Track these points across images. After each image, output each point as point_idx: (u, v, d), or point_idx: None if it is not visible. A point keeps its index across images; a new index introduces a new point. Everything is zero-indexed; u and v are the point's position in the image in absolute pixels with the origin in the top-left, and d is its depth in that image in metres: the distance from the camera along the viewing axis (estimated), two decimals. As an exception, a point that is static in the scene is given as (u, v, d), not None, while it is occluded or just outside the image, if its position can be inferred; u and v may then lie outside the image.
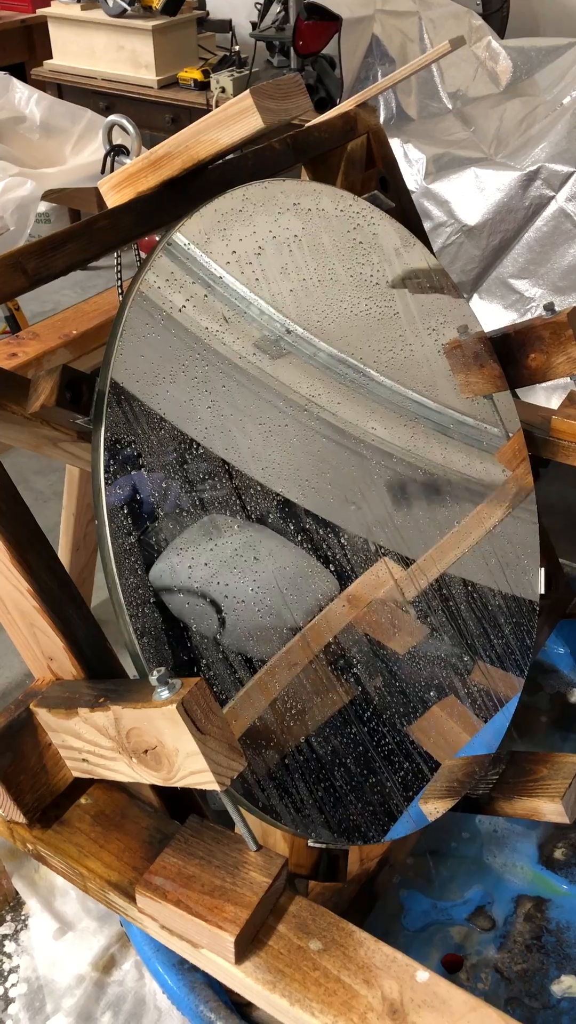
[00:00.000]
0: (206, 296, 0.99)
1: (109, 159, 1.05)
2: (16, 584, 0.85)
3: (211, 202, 1.01)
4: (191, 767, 0.77)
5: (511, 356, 1.39)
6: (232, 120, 0.93)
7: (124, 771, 0.84)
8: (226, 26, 3.70)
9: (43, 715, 0.87)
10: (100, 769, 0.87)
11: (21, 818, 0.87)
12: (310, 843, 1.01)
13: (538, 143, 2.12)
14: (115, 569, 0.85)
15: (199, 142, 0.96)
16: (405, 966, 0.77)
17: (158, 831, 0.88)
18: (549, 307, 1.34)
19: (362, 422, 1.16)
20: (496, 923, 1.24)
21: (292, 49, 3.24)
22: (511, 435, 1.43)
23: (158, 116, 3.37)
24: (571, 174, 2.04)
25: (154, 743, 0.79)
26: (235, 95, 3.45)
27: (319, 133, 1.23)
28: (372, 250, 1.20)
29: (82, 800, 0.92)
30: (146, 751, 0.80)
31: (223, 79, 3.25)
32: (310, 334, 1.10)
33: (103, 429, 0.86)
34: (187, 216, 0.99)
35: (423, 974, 0.76)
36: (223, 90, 3.25)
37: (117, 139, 1.10)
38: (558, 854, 1.32)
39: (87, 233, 0.94)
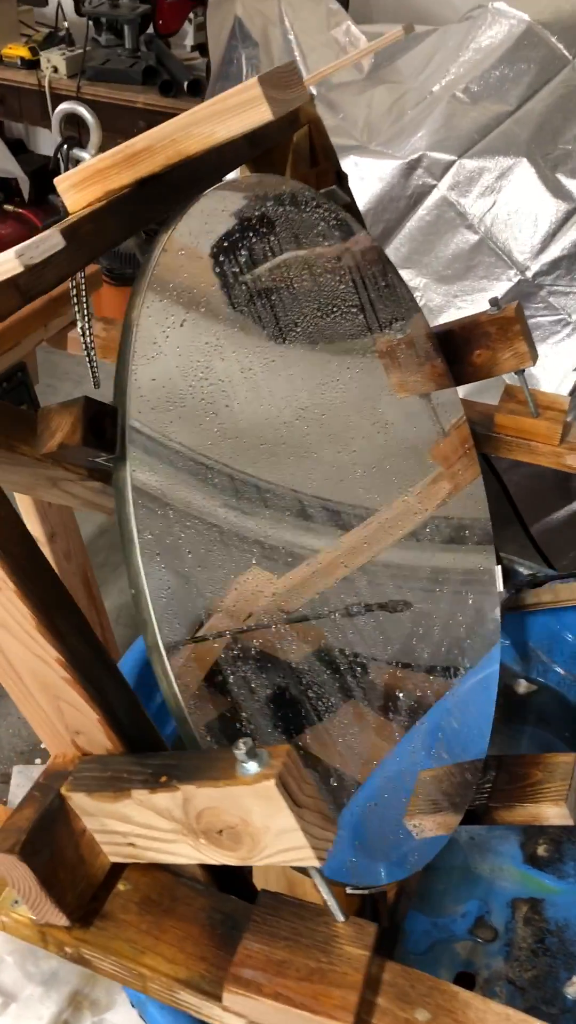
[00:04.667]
0: (208, 302, 0.89)
1: (63, 152, 0.92)
2: (42, 654, 0.73)
3: (197, 202, 0.91)
4: (283, 844, 0.69)
5: (455, 353, 1.37)
6: (232, 111, 0.84)
7: (186, 853, 0.74)
8: (43, 0, 3.48)
9: (79, 800, 0.76)
10: (150, 852, 0.77)
11: (63, 921, 0.76)
12: (348, 891, 0.94)
13: (415, 131, 2.11)
14: (158, 632, 0.74)
15: (189, 135, 0.86)
16: (520, 1023, 0.72)
17: (216, 911, 0.79)
18: (494, 302, 1.32)
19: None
20: (498, 932, 1.22)
21: (125, 27, 3.10)
22: (448, 431, 1.41)
23: (-17, 97, 3.12)
24: (452, 162, 2.05)
25: (235, 822, 0.70)
26: (68, 75, 3.25)
27: (269, 124, 1.14)
28: (337, 249, 1.13)
29: (120, 886, 0.81)
30: (221, 831, 0.71)
31: (54, 58, 3.06)
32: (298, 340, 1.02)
33: (128, 467, 0.75)
34: (178, 217, 0.89)
35: (542, 1028, 0.71)
36: (55, 70, 3.06)
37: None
38: (541, 851, 1.32)
39: (74, 240, 0.81)
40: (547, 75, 2.05)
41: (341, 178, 1.20)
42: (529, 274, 2.02)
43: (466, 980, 1.17)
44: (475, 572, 1.39)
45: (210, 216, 0.93)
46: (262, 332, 0.97)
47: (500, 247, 2.04)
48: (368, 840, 0.95)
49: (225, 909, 0.79)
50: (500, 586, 1.40)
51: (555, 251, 2.00)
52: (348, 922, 0.75)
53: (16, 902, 0.80)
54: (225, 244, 0.94)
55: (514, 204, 2.02)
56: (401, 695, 1.16)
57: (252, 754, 0.67)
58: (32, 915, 0.77)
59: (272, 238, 1.01)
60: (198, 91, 2.80)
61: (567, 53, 2.05)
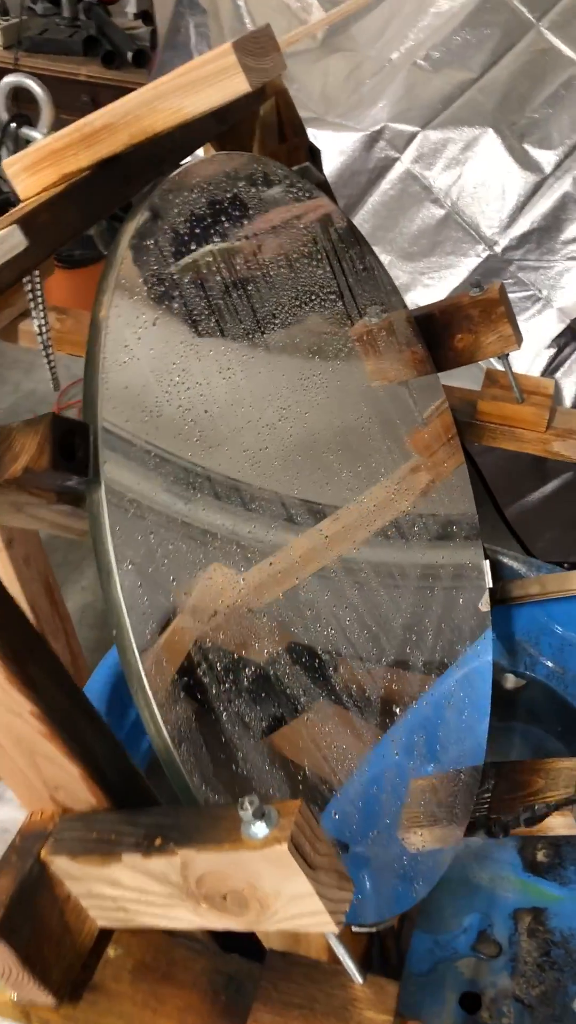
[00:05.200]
0: (181, 296, 0.81)
1: (10, 131, 0.82)
2: (15, 707, 0.65)
3: (163, 184, 0.82)
4: (297, 909, 0.62)
5: (436, 338, 1.29)
6: (204, 83, 0.75)
7: (185, 918, 0.67)
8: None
9: (62, 864, 0.68)
10: (144, 917, 0.69)
11: (49, 1000, 0.68)
12: (354, 930, 0.88)
13: (375, 102, 2.02)
14: (146, 681, 0.66)
15: (155, 111, 0.77)
16: None
17: (218, 973, 0.72)
18: (476, 284, 1.25)
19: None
20: (502, 947, 1.17)
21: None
22: (429, 420, 1.34)
23: None
24: (416, 134, 1.96)
25: (241, 887, 0.62)
26: (4, 46, 3.09)
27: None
28: (311, 229, 1.05)
29: (110, 952, 0.73)
30: (225, 895, 0.64)
31: (-11, 28, 2.90)
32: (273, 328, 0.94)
33: (103, 491, 0.66)
34: (143, 202, 0.79)
35: None
36: (-10, 41, 2.90)
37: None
38: (540, 856, 1.27)
39: (30, 232, 0.72)
40: (511, 40, 1.97)
41: (314, 154, 1.11)
42: (498, 249, 1.95)
43: (472, 1000, 1.12)
44: (462, 566, 1.33)
45: (178, 200, 0.84)
46: (239, 327, 0.89)
47: (467, 221, 1.97)
48: (373, 872, 0.89)
49: (228, 971, 0.72)
50: (489, 581, 1.34)
51: (524, 225, 1.93)
52: (366, 983, 0.68)
53: (-6, 977, 0.72)
54: (196, 231, 0.85)
55: (481, 176, 1.95)
56: (398, 710, 1.09)
57: (259, 814, 0.60)
58: (13, 995, 0.69)
59: (245, 222, 0.92)
60: (143, 62, 2.68)
61: (531, 16, 1.97)
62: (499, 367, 1.33)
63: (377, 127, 1.98)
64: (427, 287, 2.01)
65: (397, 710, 1.11)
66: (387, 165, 2.00)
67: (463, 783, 1.14)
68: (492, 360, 1.35)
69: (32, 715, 0.65)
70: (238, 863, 0.60)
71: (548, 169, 1.91)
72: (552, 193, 1.92)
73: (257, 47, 0.76)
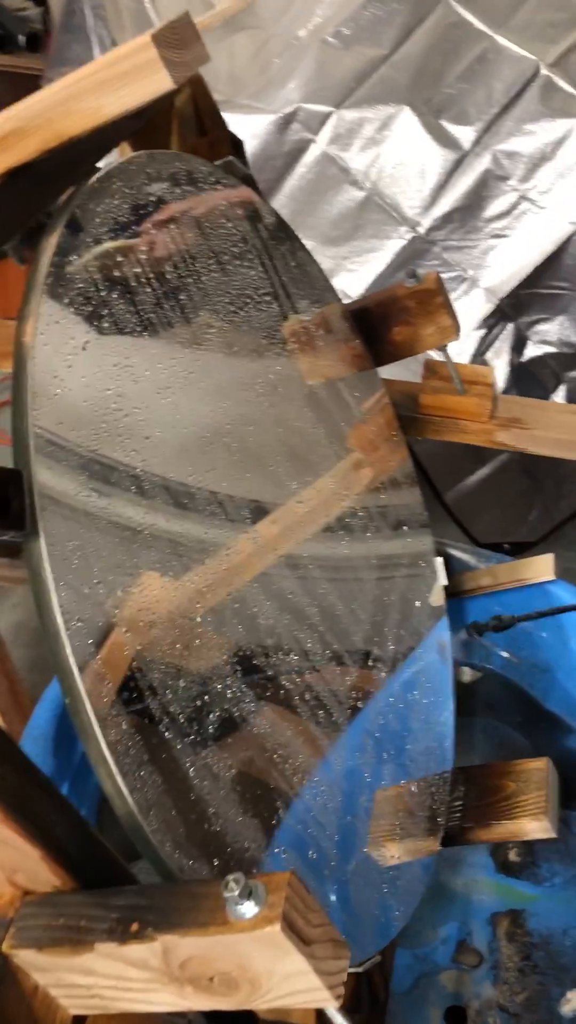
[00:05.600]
0: (111, 315, 0.74)
1: None
2: (-39, 793, 0.58)
3: (81, 192, 0.75)
4: (292, 987, 0.57)
5: (373, 332, 1.24)
6: (123, 80, 0.67)
7: (167, 1001, 0.61)
8: None
9: (28, 956, 0.61)
10: (122, 1003, 0.63)
11: None
12: (341, 970, 0.83)
13: (285, 82, 1.94)
14: (102, 738, 0.60)
15: (70, 112, 0.69)
16: None
17: (206, 1050, 0.67)
18: (411, 274, 1.20)
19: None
20: (482, 955, 1.14)
21: (-54, -22, 2.79)
22: (368, 416, 1.29)
23: None
24: (330, 114, 1.90)
25: (230, 968, 0.57)
26: None
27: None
28: (240, 228, 0.98)
29: (86, 1038, 0.67)
30: (212, 978, 0.58)
31: None
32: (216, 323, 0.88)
33: (43, 543, 0.60)
34: (61, 214, 0.72)
35: None
36: None
37: None
38: (512, 856, 1.25)
39: None
40: (421, 14, 1.92)
41: (236, 146, 1.05)
42: (421, 230, 1.90)
43: (458, 1015, 1.09)
44: (413, 562, 1.30)
45: (100, 209, 0.77)
46: (174, 340, 0.82)
47: (388, 203, 1.92)
48: (355, 910, 0.84)
49: (216, 1046, 0.67)
50: (443, 577, 1.31)
51: (445, 204, 1.89)
52: (367, 1048, 0.63)
53: None
54: (121, 240, 0.78)
55: (399, 156, 1.89)
56: (360, 717, 1.05)
57: (246, 892, 0.54)
58: None
59: (172, 226, 0.86)
60: (38, 46, 2.55)
61: (439, -11, 1.92)
62: (438, 357, 1.29)
63: (290, 108, 1.90)
64: (351, 272, 1.96)
65: (359, 717, 1.07)
66: (302, 148, 1.93)
67: (433, 789, 1.10)
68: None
69: (-18, 800, 0.58)
70: (226, 946, 0.55)
71: (467, 146, 1.86)
72: (472, 170, 1.88)
73: (177, 39, 0.69)
